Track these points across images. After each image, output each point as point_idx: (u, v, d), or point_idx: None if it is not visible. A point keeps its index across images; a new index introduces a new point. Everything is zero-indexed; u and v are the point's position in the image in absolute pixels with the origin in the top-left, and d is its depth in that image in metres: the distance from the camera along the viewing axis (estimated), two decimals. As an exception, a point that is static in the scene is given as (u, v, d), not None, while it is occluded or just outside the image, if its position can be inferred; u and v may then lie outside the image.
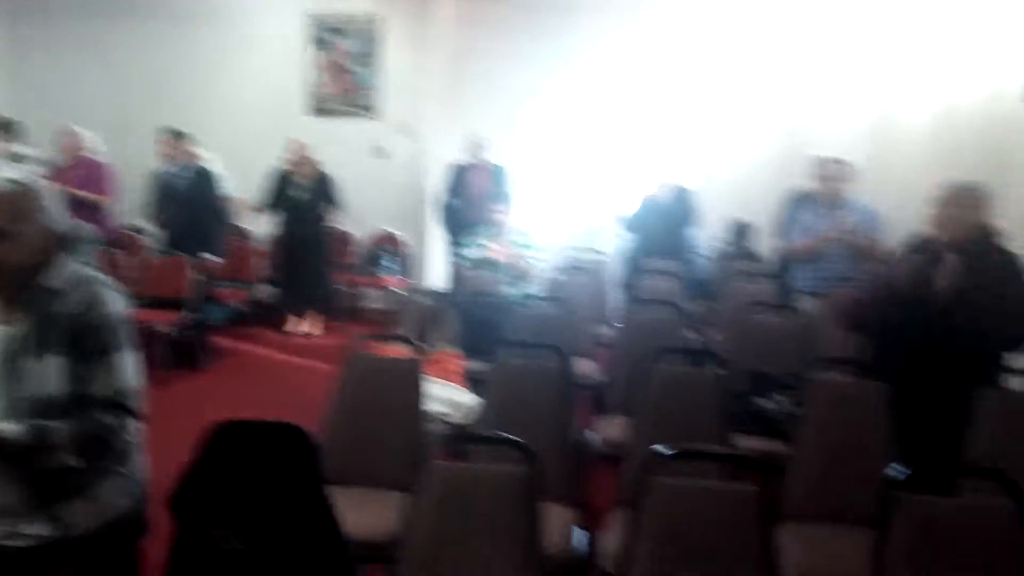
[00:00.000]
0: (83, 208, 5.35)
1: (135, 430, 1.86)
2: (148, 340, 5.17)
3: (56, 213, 1.81)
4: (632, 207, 5.83)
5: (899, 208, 4.66)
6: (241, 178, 6.38)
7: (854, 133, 5.46)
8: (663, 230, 5.57)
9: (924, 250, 2.88)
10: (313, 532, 1.78)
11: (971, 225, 2.80)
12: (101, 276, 1.86)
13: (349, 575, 1.80)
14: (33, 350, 1.74)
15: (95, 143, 5.84)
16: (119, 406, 1.78)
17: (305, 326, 6.35)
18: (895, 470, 1.93)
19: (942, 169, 3.98)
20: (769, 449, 3.00)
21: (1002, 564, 1.82)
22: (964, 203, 2.81)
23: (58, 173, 5.56)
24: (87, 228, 2.20)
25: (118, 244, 5.94)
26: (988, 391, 2.62)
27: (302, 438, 1.79)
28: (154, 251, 5.92)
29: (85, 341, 1.75)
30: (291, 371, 5.48)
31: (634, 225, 5.79)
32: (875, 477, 1.98)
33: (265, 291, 6.67)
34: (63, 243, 1.81)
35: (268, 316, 6.50)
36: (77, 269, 1.82)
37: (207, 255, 5.74)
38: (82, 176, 5.61)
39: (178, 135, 5.97)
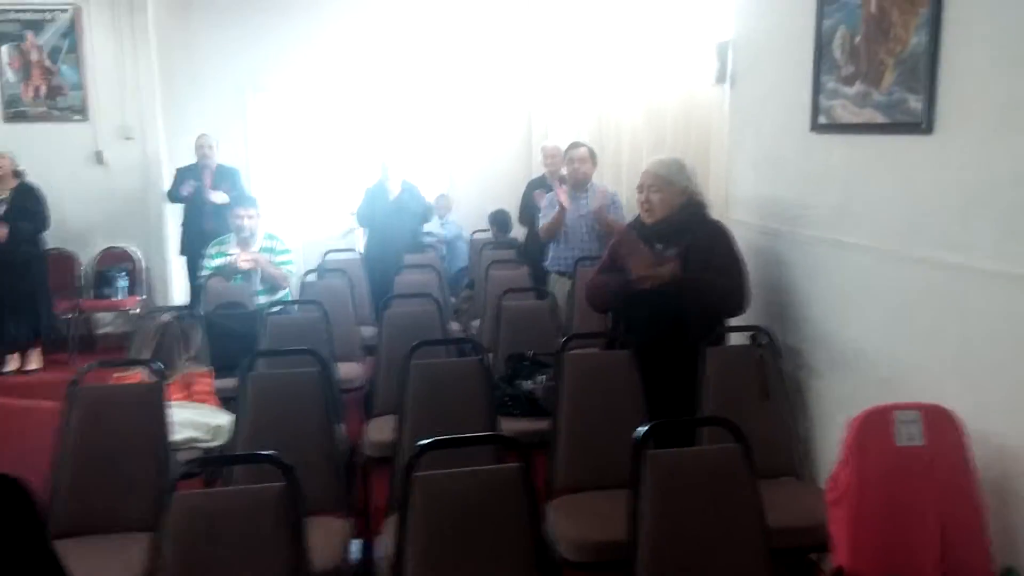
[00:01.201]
0: None
1: None
2: None
3: None
4: (362, 203, 5.78)
5: (623, 193, 5.08)
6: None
7: (581, 128, 5.89)
8: (397, 224, 5.58)
9: (641, 232, 3.08)
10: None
11: (676, 205, 3.01)
12: None
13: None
14: None
15: None
16: None
17: (25, 362, 5.60)
18: (640, 431, 2.05)
19: (656, 154, 4.37)
20: (534, 428, 3.10)
21: (734, 498, 2.01)
22: (664, 187, 3.01)
23: None
24: None
25: None
26: (713, 349, 2.89)
27: (10, 488, 1.54)
28: None
29: None
30: (10, 416, 4.79)
31: (363, 219, 5.75)
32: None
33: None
34: None
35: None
36: None
37: None
38: None
39: None
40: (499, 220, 6.55)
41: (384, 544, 2.27)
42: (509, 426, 3.11)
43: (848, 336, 2.71)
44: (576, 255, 4.51)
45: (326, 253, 5.55)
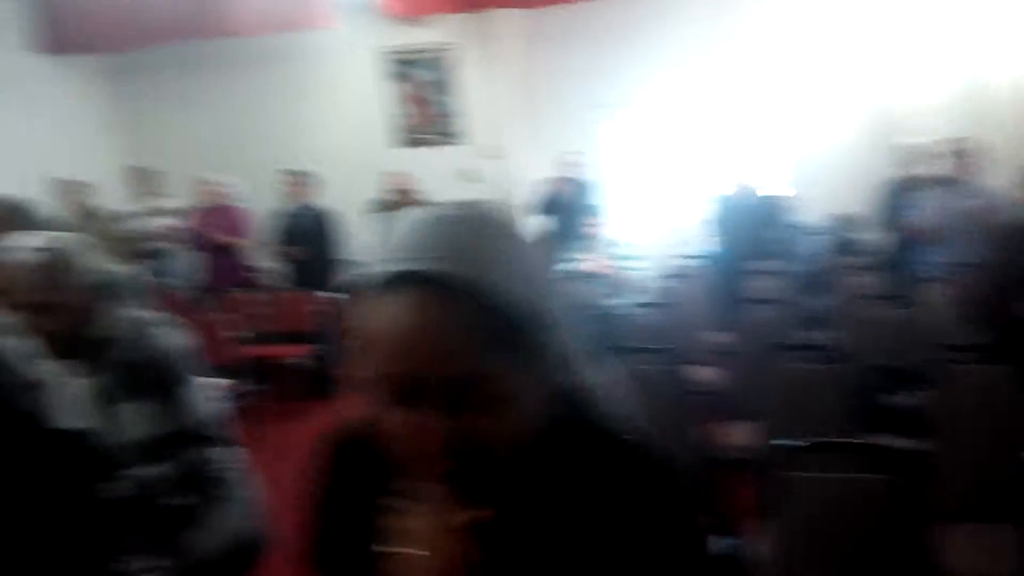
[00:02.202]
0: (222, 251, 5.75)
1: (231, 454, 1.87)
2: (278, 373, 5.34)
3: (93, 265, 1.77)
4: (712, 209, 5.79)
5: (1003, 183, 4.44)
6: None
7: (941, 106, 5.19)
8: (749, 231, 5.51)
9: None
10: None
11: None
12: (153, 315, 1.87)
13: None
14: (106, 400, 1.75)
15: (233, 189, 6.00)
16: (203, 437, 1.81)
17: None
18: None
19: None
20: (905, 446, 2.90)
21: None
22: None
23: (198, 219, 5.87)
24: (134, 273, 2.17)
25: (251, 284, 5.99)
26: None
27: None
28: (283, 287, 5.92)
29: (148, 382, 1.76)
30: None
31: (717, 227, 5.75)
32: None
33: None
34: (108, 293, 1.79)
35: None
36: (127, 314, 1.82)
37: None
38: (221, 221, 5.85)
39: (300, 174, 6.03)
40: (840, 224, 6.36)
41: (754, 542, 2.30)
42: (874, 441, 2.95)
43: None
44: (951, 260, 4.10)
45: (675, 258, 5.68)
